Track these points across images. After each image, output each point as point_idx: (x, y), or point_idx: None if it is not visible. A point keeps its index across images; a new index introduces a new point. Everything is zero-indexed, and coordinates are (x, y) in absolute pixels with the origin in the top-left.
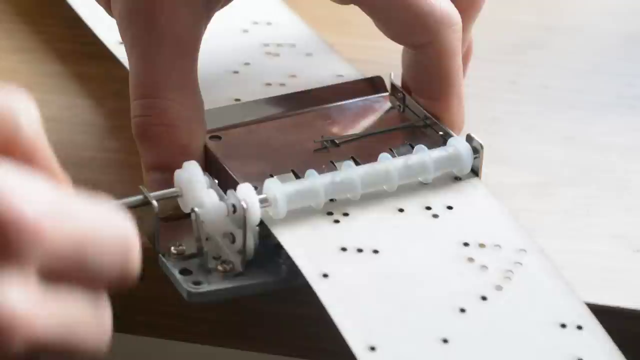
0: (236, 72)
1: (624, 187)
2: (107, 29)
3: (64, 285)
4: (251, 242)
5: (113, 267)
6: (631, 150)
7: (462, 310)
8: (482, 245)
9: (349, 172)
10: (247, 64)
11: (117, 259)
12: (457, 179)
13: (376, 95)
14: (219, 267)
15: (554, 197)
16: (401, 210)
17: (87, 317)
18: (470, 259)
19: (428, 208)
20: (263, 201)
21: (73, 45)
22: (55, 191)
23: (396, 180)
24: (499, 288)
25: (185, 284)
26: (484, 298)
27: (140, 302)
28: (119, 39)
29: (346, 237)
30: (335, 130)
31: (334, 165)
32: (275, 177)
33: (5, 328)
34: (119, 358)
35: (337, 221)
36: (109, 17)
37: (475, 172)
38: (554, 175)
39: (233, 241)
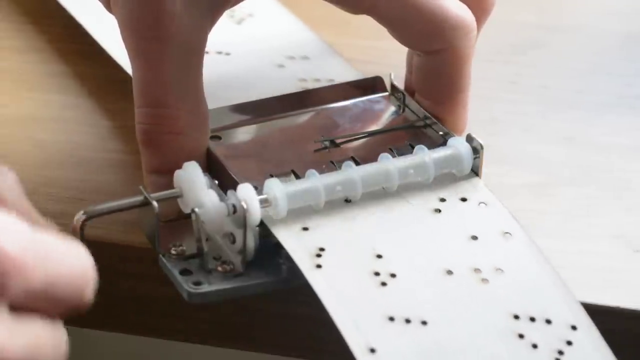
0: None
1: (624, 187)
2: (102, 29)
3: (29, 314)
4: (251, 243)
5: (74, 298)
6: (631, 150)
7: None
8: (532, 320)
9: (349, 172)
10: None
11: (78, 291)
12: (505, 235)
13: (376, 95)
14: (219, 268)
15: (554, 197)
16: (450, 272)
17: (49, 341)
18: (521, 336)
19: (477, 270)
20: (263, 201)
21: (75, 45)
22: (31, 228)
23: (396, 180)
24: None
25: (185, 284)
26: None
27: (140, 302)
28: (116, 39)
29: (394, 304)
30: (335, 130)
31: (334, 165)
32: (275, 177)
33: None
34: (119, 358)
35: (384, 284)
36: (106, 17)
37: (475, 172)
38: (554, 175)
39: (233, 241)
